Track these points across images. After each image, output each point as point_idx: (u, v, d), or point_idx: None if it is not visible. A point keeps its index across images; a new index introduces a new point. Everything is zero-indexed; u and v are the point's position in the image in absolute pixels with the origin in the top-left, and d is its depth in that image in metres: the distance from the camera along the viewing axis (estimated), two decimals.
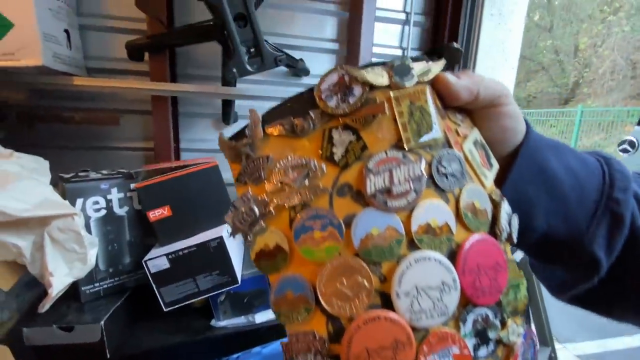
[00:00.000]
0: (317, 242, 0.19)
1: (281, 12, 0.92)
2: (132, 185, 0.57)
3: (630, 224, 0.24)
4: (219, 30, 0.73)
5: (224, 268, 0.56)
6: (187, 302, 0.56)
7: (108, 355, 0.51)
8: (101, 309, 0.53)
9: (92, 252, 0.46)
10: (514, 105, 0.25)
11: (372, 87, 0.20)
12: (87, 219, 0.52)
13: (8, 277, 0.41)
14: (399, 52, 1.01)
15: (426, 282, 0.19)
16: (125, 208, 0.58)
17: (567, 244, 0.25)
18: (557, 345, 1.63)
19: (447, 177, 0.21)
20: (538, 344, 0.24)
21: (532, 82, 10.84)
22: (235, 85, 0.83)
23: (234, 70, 0.76)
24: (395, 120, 0.20)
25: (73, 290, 0.56)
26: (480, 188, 0.22)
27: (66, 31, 0.70)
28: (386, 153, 0.20)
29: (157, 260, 0.53)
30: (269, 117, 0.21)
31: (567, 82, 10.36)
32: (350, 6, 0.94)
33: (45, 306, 0.42)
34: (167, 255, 0.54)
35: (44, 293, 0.44)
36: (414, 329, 0.19)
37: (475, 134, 0.24)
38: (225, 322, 0.60)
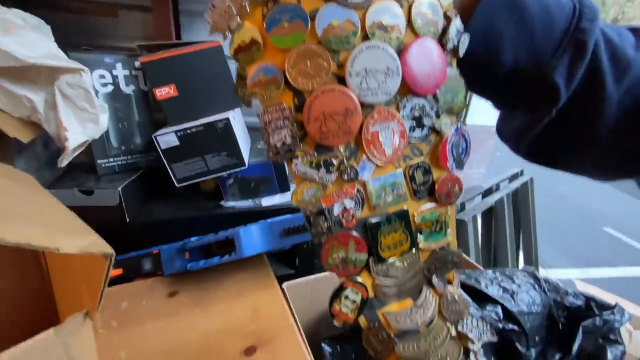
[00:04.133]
0: (285, 31, 0.22)
1: None
2: (137, 64, 0.57)
3: (592, 54, 0.24)
4: None
5: (231, 150, 0.58)
6: (197, 180, 0.60)
7: (127, 219, 0.56)
8: (117, 180, 0.56)
9: (103, 116, 0.47)
10: None
11: None
12: (95, 92, 0.53)
13: (27, 131, 0.43)
14: None
15: (374, 66, 0.23)
16: (132, 87, 0.58)
17: (531, 77, 0.25)
18: (541, 271, 1.76)
19: None
20: (471, 141, 0.28)
21: None
22: None
23: None
24: None
25: (89, 165, 0.59)
26: (435, 1, 0.24)
27: None
28: None
29: (167, 136, 0.55)
30: None
31: None
32: None
33: (63, 161, 0.45)
34: (175, 132, 0.55)
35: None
36: (362, 104, 0.23)
37: None
38: (234, 203, 0.64)
